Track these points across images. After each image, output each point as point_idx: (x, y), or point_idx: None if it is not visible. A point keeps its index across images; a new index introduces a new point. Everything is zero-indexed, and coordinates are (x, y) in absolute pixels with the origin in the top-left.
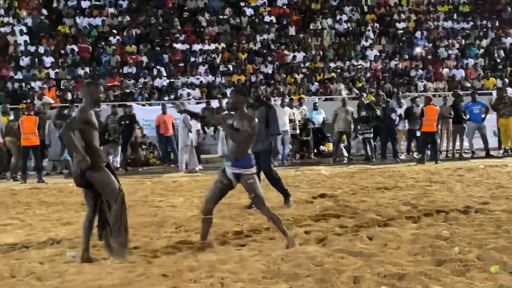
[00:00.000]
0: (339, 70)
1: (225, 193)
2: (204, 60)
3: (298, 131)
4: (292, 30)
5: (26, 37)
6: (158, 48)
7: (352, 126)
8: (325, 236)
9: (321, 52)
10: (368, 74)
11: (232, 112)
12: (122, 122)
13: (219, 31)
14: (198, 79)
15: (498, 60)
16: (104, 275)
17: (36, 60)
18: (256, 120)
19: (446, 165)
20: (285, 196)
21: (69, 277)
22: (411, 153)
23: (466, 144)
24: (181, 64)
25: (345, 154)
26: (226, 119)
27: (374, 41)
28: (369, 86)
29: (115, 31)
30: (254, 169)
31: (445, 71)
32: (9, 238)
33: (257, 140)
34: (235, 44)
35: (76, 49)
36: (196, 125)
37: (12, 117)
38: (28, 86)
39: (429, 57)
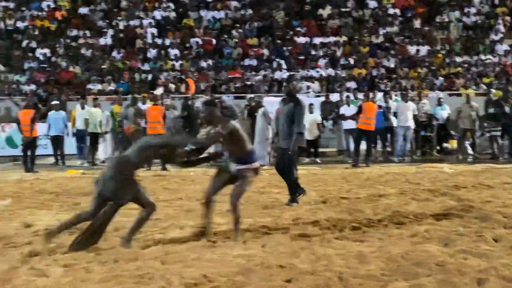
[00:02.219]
0: (465, 65)
1: (227, 184)
2: (324, 54)
3: (414, 126)
4: (417, 23)
5: (154, 30)
6: (279, 41)
7: (477, 123)
8: (447, 235)
9: (447, 46)
10: (497, 69)
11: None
12: (255, 114)
13: (340, 24)
14: (318, 72)
15: None
16: (224, 262)
17: (162, 52)
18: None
19: None
20: (292, 197)
21: (190, 262)
22: None
23: None
24: (301, 57)
25: (470, 152)
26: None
27: (505, 35)
28: (498, 82)
29: (237, 24)
30: (257, 164)
31: None
32: None
33: (282, 137)
34: (357, 37)
35: (200, 41)
36: (316, 118)
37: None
38: (190, 76)
39: None
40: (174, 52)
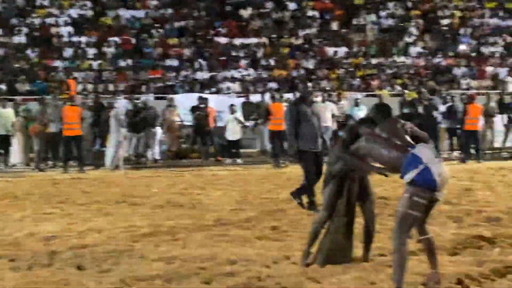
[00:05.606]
0: (381, 67)
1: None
2: (245, 54)
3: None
4: (334, 25)
5: (70, 28)
6: (200, 41)
7: None
8: None
9: (364, 48)
10: (411, 71)
11: None
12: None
13: (261, 25)
14: (239, 72)
15: None
16: (143, 266)
17: (79, 51)
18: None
19: (489, 165)
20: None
21: (107, 267)
22: (453, 152)
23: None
24: (223, 58)
25: None
26: None
27: (418, 38)
28: (411, 83)
29: (157, 24)
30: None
31: (489, 69)
32: (50, 226)
33: (315, 139)
34: (278, 38)
35: (118, 41)
36: (238, 118)
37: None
38: (72, 77)
39: (474, 54)
40: (92, 51)
